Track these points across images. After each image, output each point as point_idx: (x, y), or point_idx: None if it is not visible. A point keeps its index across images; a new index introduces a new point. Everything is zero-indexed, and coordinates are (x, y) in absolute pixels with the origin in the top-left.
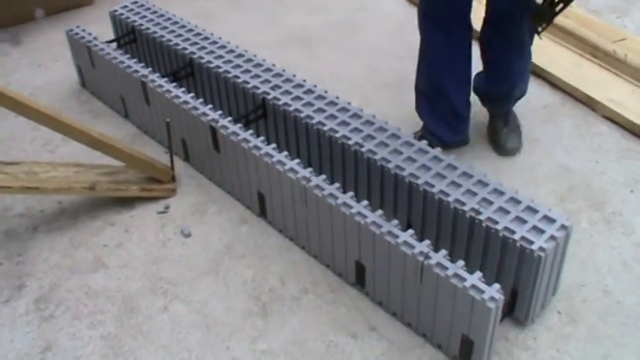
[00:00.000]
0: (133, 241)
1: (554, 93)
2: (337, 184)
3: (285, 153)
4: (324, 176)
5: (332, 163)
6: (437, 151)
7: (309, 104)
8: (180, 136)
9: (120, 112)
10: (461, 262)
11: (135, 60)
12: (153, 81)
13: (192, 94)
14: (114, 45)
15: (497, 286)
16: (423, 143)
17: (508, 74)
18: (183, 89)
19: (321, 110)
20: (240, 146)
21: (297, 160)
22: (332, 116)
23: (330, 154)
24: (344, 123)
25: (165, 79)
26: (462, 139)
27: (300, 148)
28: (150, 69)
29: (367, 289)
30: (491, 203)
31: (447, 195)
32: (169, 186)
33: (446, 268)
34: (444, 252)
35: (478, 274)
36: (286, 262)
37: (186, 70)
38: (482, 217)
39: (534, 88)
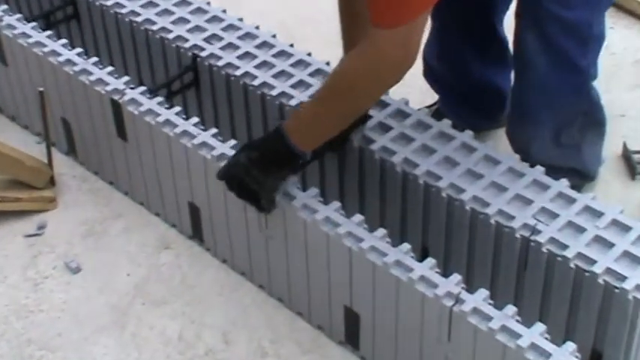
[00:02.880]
0: None
1: None
2: (314, 190)
3: (233, 142)
4: (294, 178)
5: None
6: (466, 135)
7: (265, 65)
8: (60, 116)
9: None
10: (511, 309)
11: None
12: (11, 27)
13: (79, 50)
14: None
15: (571, 346)
16: (446, 124)
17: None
18: (64, 41)
19: (284, 74)
20: (159, 132)
21: None
22: (302, 83)
23: None
24: None
25: (33, 23)
26: (501, 121)
27: (253, 133)
28: (5, 7)
29: (363, 350)
30: (554, 216)
31: (486, 204)
32: (45, 193)
33: (489, 318)
34: (483, 292)
35: (539, 327)
36: (232, 309)
37: (66, 11)
38: (541, 239)
39: (616, 34)
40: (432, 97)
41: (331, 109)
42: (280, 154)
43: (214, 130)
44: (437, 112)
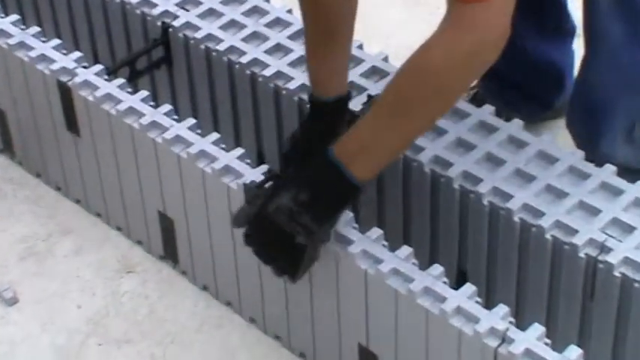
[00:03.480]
0: None
1: None
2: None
3: (215, 136)
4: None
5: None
6: (514, 126)
7: (255, 37)
8: None
9: None
10: (574, 350)
11: None
12: None
13: (15, 17)
14: None
15: None
16: (487, 111)
17: None
18: None
19: (280, 49)
20: (121, 123)
21: (239, 151)
22: (303, 60)
23: None
24: None
25: None
26: (557, 108)
27: (242, 124)
28: None
29: None
30: (630, 230)
31: (540, 215)
32: None
33: None
34: (537, 328)
35: None
36: (215, 350)
37: None
38: (612, 259)
39: None
40: None
41: (410, 117)
42: (336, 192)
43: (192, 121)
44: (476, 96)
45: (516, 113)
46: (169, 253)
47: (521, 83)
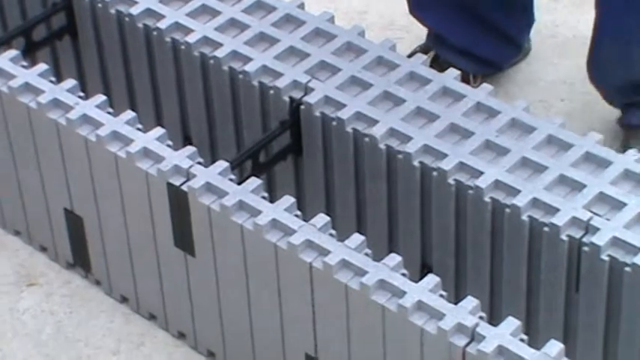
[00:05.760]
0: None
1: None
2: (254, 181)
3: (130, 115)
4: (223, 164)
5: (241, 125)
6: (483, 92)
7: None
8: None
9: None
10: (555, 347)
11: None
12: None
13: None
14: None
15: None
16: (451, 75)
17: None
18: None
19: (207, 11)
20: (15, 103)
21: (158, 131)
22: (234, 25)
23: (244, 105)
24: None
25: None
26: (521, 54)
27: (163, 101)
28: None
29: None
30: (619, 207)
31: (514, 193)
32: None
33: None
34: (512, 323)
35: None
36: None
37: None
38: (599, 241)
39: None
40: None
41: None
42: None
43: (101, 98)
44: (436, 60)
45: (481, 64)
46: (79, 259)
47: (486, 15)
